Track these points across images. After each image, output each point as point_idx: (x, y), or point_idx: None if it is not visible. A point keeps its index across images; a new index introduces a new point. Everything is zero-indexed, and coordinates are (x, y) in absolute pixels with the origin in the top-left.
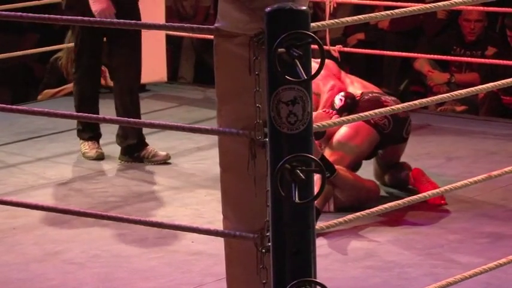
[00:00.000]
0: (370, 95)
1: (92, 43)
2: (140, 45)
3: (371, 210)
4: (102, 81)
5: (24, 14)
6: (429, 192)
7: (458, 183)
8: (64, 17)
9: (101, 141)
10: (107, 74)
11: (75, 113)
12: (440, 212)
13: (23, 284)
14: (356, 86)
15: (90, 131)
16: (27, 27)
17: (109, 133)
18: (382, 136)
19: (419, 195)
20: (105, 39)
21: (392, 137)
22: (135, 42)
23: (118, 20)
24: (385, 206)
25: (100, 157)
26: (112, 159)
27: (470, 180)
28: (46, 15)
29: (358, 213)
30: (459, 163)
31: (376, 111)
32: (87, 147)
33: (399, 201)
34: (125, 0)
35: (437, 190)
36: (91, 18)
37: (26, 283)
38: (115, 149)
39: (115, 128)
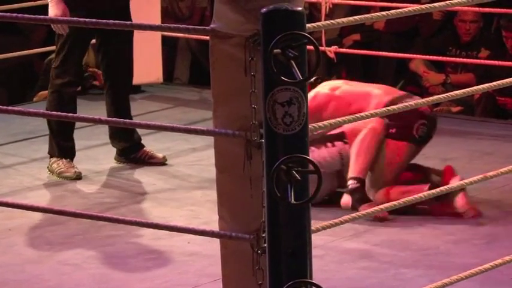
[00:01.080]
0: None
1: (82, 46)
2: (132, 46)
3: (366, 211)
4: (96, 83)
5: (20, 15)
6: (422, 194)
7: (454, 184)
8: (60, 18)
9: (97, 142)
10: (100, 76)
11: (70, 114)
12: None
13: (19, 285)
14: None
15: (66, 148)
16: (31, 27)
17: (103, 134)
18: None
19: (413, 196)
20: (93, 40)
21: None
22: (127, 43)
23: (114, 21)
24: (381, 206)
25: (79, 177)
26: (108, 160)
27: (466, 181)
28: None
29: (353, 214)
30: (454, 164)
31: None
32: (62, 166)
33: (394, 202)
34: (116, 0)
35: (432, 191)
36: (87, 20)
37: (22, 284)
38: (111, 150)
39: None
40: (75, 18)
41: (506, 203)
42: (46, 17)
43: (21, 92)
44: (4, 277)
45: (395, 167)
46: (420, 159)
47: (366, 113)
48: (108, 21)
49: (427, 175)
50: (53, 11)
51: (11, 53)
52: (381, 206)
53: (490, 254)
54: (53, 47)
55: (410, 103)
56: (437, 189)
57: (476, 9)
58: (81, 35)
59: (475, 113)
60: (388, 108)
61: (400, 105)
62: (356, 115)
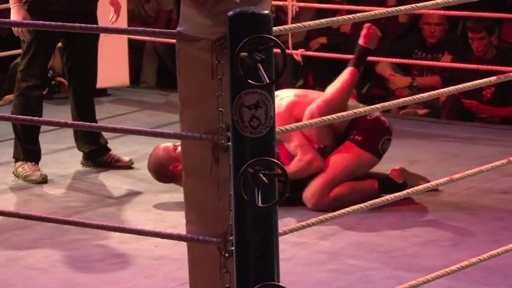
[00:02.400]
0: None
1: (47, 50)
2: (97, 48)
3: (333, 213)
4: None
5: None
6: (390, 196)
7: (420, 187)
8: (25, 21)
9: (63, 146)
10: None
11: (35, 118)
12: (403, 215)
13: None
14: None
15: (31, 152)
16: None
17: (69, 137)
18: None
19: (381, 199)
20: (59, 44)
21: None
22: (92, 46)
23: (80, 25)
24: (348, 209)
25: (45, 180)
26: (74, 164)
27: (432, 183)
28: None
29: (321, 217)
30: (421, 166)
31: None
32: (28, 169)
33: (361, 205)
34: (82, 3)
35: (399, 193)
36: (53, 23)
37: None
38: (77, 154)
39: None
40: (40, 22)
41: (472, 205)
42: (11, 20)
43: None
44: None
45: (351, 175)
46: (387, 162)
47: (338, 114)
48: (74, 24)
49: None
50: (14, 17)
51: None
52: (348, 209)
53: (457, 255)
54: (18, 51)
55: (377, 106)
56: (378, 200)
57: (442, 12)
58: (46, 38)
59: (441, 116)
60: (350, 112)
61: (363, 108)
62: (322, 118)
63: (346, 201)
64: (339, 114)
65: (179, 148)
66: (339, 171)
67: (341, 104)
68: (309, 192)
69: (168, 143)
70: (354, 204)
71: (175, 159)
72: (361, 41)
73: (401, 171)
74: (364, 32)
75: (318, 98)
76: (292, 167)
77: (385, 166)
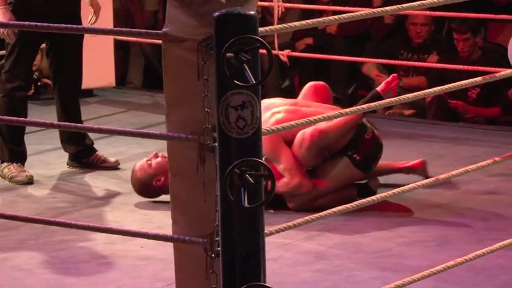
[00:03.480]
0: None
1: (31, 51)
2: (81, 49)
3: (320, 214)
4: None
5: None
6: (376, 197)
7: (406, 187)
8: (11, 22)
9: (49, 147)
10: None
11: (21, 118)
12: (388, 216)
13: None
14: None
15: (16, 153)
16: None
17: (55, 138)
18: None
19: (366, 199)
20: (43, 45)
21: None
22: (76, 47)
23: (66, 26)
24: (334, 210)
25: (30, 181)
26: (60, 165)
27: (418, 183)
28: None
29: (307, 217)
30: None
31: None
32: (13, 170)
33: (347, 205)
34: (64, 2)
35: (384, 194)
36: (38, 24)
37: None
38: (63, 155)
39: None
40: (26, 23)
41: (457, 205)
42: None
43: None
44: None
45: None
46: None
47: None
48: (59, 25)
49: None
50: (0, 19)
51: None
52: (334, 209)
53: (442, 256)
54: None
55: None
56: (364, 200)
57: (427, 12)
58: (30, 39)
59: (427, 116)
60: (337, 112)
61: (349, 109)
62: (309, 118)
63: (326, 206)
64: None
65: (154, 160)
66: (331, 185)
67: (335, 138)
68: (297, 201)
69: (142, 160)
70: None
71: (155, 174)
72: (380, 88)
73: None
74: (388, 80)
75: (309, 113)
76: (279, 189)
77: None
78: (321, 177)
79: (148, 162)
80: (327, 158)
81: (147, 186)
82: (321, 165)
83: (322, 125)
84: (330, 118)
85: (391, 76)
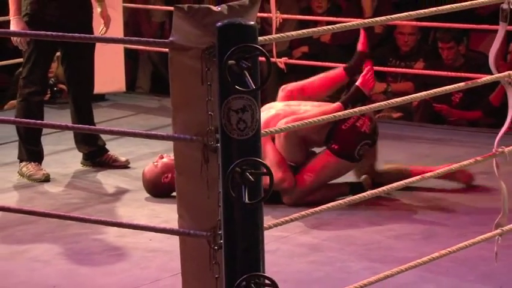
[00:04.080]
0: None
1: (46, 58)
2: (93, 57)
3: (315, 209)
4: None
5: None
6: (367, 193)
7: (394, 184)
8: (28, 32)
9: (64, 147)
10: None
11: (38, 121)
12: (377, 211)
13: None
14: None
15: (34, 153)
16: None
17: (70, 139)
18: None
19: (358, 195)
20: (58, 53)
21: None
22: (88, 55)
23: (79, 35)
24: (328, 205)
25: (47, 179)
26: (74, 164)
27: (406, 181)
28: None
29: (303, 212)
30: None
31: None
32: (31, 169)
33: (340, 201)
34: (78, 13)
35: (374, 191)
36: (53, 33)
37: None
38: (77, 154)
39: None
40: (41, 32)
41: (442, 201)
42: (15, 30)
43: None
44: None
45: (328, 180)
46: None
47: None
48: (73, 35)
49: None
50: (14, 28)
51: None
52: (328, 205)
53: (427, 248)
54: (11, 61)
55: (355, 109)
56: (355, 197)
57: (414, 23)
58: (45, 48)
59: (413, 119)
60: (331, 115)
61: (342, 112)
62: (305, 121)
63: (320, 202)
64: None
65: (160, 161)
66: (318, 179)
67: (310, 127)
68: (290, 196)
69: (150, 164)
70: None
71: (162, 172)
72: (358, 82)
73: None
74: (364, 73)
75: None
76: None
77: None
78: (308, 172)
79: (155, 163)
80: (311, 154)
81: (157, 185)
82: (307, 161)
83: (299, 116)
84: (328, 120)
85: (365, 68)
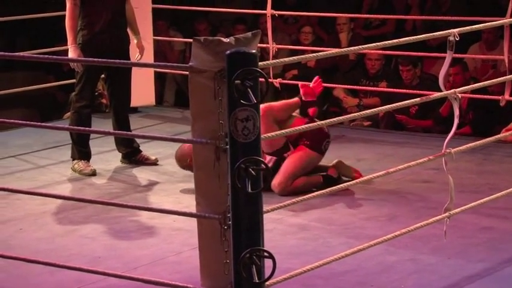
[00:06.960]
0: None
1: (94, 79)
2: (130, 77)
3: (303, 197)
4: (103, 101)
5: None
6: (345, 184)
7: (365, 177)
8: (79, 58)
9: (107, 148)
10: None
11: (87, 128)
12: (353, 198)
13: (50, 253)
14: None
15: (84, 153)
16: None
17: (112, 142)
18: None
19: (337, 186)
20: (103, 75)
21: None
22: (127, 76)
23: (119, 61)
24: (313, 194)
25: (94, 173)
26: (115, 162)
27: (374, 175)
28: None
29: (294, 200)
30: (365, 163)
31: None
32: (81, 165)
33: (324, 191)
34: (119, 44)
35: (349, 183)
36: (100, 60)
37: (51, 252)
38: (117, 154)
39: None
40: (90, 59)
41: (402, 191)
42: (69, 58)
43: (49, 112)
44: (38, 247)
45: (305, 169)
46: (341, 158)
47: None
48: (114, 60)
49: (317, 170)
50: (71, 54)
51: (44, 84)
52: (313, 194)
53: (391, 227)
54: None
55: (334, 119)
56: (336, 187)
57: (380, 51)
58: (94, 70)
59: (380, 126)
60: (317, 123)
61: (324, 121)
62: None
63: (302, 190)
64: (322, 123)
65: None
66: (297, 167)
67: (278, 113)
68: (276, 182)
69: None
70: (308, 192)
71: (189, 155)
72: (301, 93)
73: (335, 168)
74: (304, 85)
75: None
76: None
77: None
78: (288, 163)
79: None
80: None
81: (184, 158)
82: (286, 156)
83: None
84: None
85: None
